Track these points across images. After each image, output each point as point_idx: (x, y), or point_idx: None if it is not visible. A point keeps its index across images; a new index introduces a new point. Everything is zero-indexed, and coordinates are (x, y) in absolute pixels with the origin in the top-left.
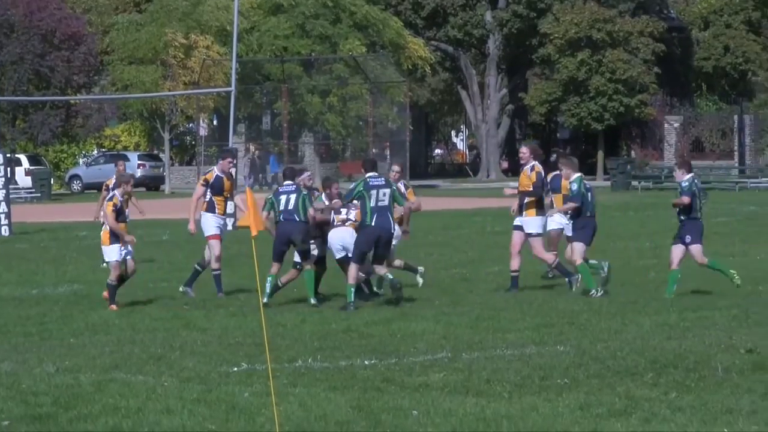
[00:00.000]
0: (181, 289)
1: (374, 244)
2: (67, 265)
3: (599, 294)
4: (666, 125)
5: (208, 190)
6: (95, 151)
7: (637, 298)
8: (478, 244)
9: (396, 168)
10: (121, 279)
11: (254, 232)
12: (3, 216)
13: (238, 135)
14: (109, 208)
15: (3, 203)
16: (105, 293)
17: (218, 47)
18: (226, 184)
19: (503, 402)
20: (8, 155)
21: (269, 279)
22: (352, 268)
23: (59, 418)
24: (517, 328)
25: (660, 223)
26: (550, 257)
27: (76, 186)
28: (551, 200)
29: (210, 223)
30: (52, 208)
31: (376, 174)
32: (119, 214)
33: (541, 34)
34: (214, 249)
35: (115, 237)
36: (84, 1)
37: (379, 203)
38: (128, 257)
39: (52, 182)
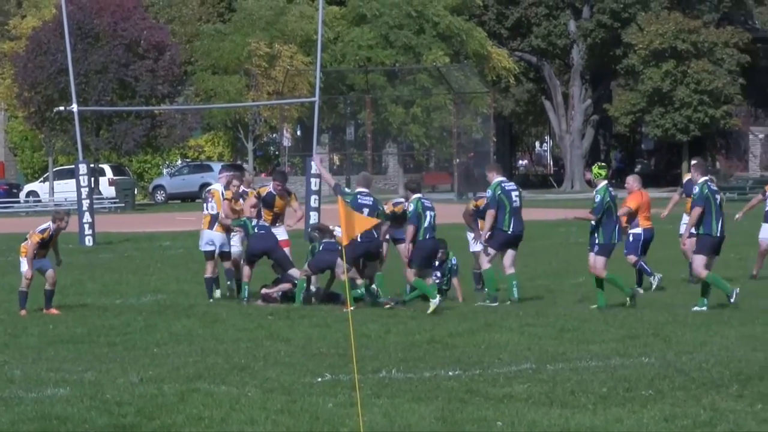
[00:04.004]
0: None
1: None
2: (151, 275)
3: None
4: (751, 136)
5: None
6: (179, 162)
7: (722, 310)
8: (562, 255)
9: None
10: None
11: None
12: (87, 226)
13: (322, 145)
14: (35, 239)
15: (87, 213)
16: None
17: (302, 57)
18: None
19: (588, 413)
20: (92, 165)
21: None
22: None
23: (143, 429)
24: (601, 340)
25: (745, 234)
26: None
27: (159, 196)
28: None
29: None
30: (136, 218)
31: (367, 191)
32: (41, 246)
33: (625, 44)
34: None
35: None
36: (168, 11)
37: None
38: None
39: (135, 192)
